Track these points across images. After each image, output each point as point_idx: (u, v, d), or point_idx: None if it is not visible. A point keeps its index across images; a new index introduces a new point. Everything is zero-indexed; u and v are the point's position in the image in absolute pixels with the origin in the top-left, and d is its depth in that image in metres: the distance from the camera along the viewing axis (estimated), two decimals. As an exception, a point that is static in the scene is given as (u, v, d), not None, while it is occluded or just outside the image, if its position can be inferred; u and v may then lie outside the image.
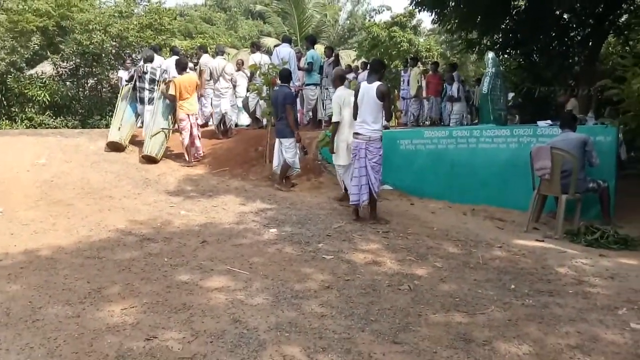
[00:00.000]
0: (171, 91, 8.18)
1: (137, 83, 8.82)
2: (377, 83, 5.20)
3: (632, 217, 5.84)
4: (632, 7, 13.85)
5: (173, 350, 2.71)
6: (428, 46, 21.40)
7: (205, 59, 9.79)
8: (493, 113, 7.43)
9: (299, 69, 9.50)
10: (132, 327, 2.99)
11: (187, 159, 8.39)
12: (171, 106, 8.50)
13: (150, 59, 8.97)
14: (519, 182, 6.08)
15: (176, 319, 3.11)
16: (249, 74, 9.94)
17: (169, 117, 8.61)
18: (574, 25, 13.46)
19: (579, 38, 13.57)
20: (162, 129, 8.37)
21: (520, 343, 2.83)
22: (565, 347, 2.78)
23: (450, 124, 11.10)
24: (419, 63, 14.24)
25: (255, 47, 10.24)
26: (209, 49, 12.96)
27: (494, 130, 6.73)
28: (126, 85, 9.28)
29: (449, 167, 6.95)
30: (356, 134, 5.32)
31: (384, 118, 5.55)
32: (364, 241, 4.77)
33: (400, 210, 6.13)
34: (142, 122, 9.04)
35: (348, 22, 30.06)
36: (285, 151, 6.80)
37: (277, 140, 6.94)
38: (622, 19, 14.13)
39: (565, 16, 12.98)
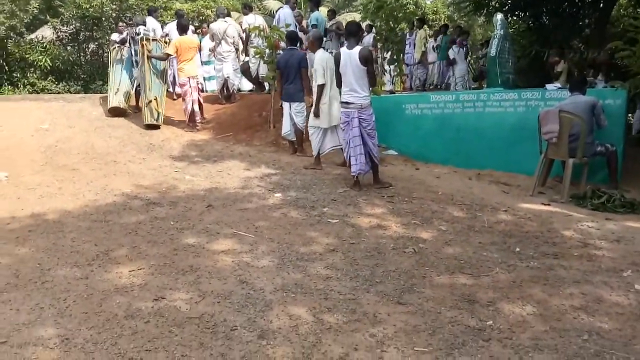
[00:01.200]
0: (169, 50, 8.02)
1: (132, 46, 8.64)
2: (358, 47, 5.05)
3: (638, 182, 5.80)
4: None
5: (181, 310, 2.75)
6: (435, 8, 20.90)
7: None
8: (501, 76, 7.30)
9: (302, 31, 9.29)
10: (140, 288, 3.04)
11: (191, 125, 8.32)
12: (162, 69, 8.35)
13: (142, 22, 8.81)
14: (526, 146, 6.01)
15: (183, 280, 3.14)
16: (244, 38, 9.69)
17: (161, 80, 8.45)
18: (587, -14, 13.04)
19: (590, 0, 13.18)
20: (155, 97, 8.19)
21: (524, 304, 2.86)
22: (569, 308, 2.81)
23: (456, 88, 10.92)
24: (425, 26, 13.90)
25: (248, 8, 9.97)
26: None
27: (501, 94, 6.61)
28: (117, 48, 9.06)
29: (455, 132, 6.87)
30: (346, 103, 5.19)
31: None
32: (369, 205, 4.76)
33: (405, 175, 6.10)
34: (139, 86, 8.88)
35: (353, -17, 29.26)
36: (295, 115, 6.71)
37: (285, 104, 6.82)
38: (637, -20, 13.67)
39: (578, -24, 12.56)
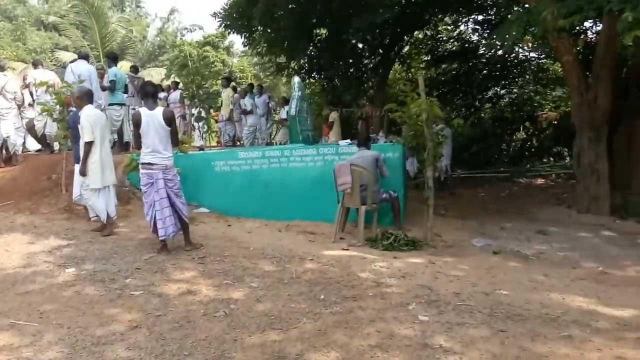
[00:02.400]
0: None
1: None
2: (161, 108, 5.05)
3: (418, 221, 6.75)
4: (412, 40, 16.34)
5: None
6: (242, 67, 21.91)
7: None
8: (301, 133, 7.89)
9: (102, 88, 8.75)
10: None
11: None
12: None
13: None
14: (327, 196, 6.54)
15: None
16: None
17: None
18: (367, 54, 15.26)
19: (371, 65, 15.44)
20: None
21: (329, 351, 3.00)
22: (367, 348, 3.04)
23: (244, 135, 11.38)
24: (233, 83, 14.42)
25: (37, 63, 9.18)
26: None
27: (302, 150, 7.15)
28: None
29: (264, 187, 7.15)
30: (148, 164, 5.03)
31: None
32: (178, 270, 4.55)
33: (218, 233, 6.04)
34: None
35: (158, 39, 28.95)
36: (87, 177, 6.13)
37: (77, 166, 6.20)
38: (405, 50, 16.56)
39: (359, 45, 14.62)
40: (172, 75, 16.49)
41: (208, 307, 3.73)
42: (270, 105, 12.03)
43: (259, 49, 13.64)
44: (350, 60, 14.79)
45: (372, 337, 3.19)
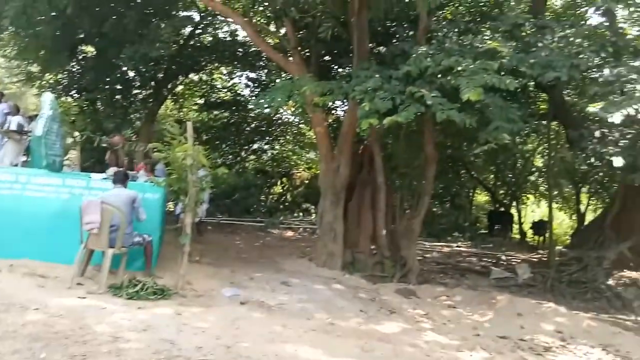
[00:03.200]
0: None
1: None
2: None
3: (172, 267, 6.52)
4: (187, 81, 16.38)
5: None
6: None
7: None
8: (46, 158, 6.87)
9: None
10: None
11: None
12: None
13: None
14: (68, 234, 5.74)
15: None
16: None
17: None
18: (138, 84, 14.61)
19: (141, 96, 14.81)
20: None
21: None
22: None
23: None
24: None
25: None
26: None
27: (44, 178, 6.25)
28: None
29: (-15, 215, 5.91)
30: None
31: None
32: None
33: None
34: None
35: None
36: None
37: None
38: (179, 89, 16.46)
39: (130, 73, 13.90)
40: None
41: None
42: (8, 118, 10.05)
43: (7, 51, 11.65)
44: (118, 87, 13.89)
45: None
